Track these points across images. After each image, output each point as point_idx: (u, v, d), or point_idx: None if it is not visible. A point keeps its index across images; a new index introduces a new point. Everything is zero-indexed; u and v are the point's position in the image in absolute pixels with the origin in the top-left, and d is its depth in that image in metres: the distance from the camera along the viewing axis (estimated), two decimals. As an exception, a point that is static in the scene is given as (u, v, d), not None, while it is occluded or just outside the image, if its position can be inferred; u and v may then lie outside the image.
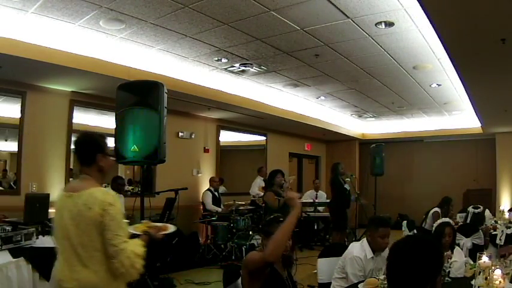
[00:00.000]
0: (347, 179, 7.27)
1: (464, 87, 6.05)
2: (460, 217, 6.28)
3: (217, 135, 8.69)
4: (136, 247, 1.96)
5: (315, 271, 3.71)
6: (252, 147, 10.41)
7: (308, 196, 9.38)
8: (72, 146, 6.04)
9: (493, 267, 2.44)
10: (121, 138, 3.80)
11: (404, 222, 6.25)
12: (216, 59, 5.70)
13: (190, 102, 6.89)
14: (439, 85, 6.87)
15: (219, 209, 7.43)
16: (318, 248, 7.29)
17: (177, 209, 5.70)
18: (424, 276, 1.44)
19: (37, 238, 3.68)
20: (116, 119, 3.92)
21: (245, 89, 7.27)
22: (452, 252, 3.27)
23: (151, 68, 5.74)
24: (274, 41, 5.02)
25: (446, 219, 3.85)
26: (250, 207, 7.52)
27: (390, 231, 3.03)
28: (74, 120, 6.05)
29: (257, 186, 8.35)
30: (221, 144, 8.76)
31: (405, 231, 6.05)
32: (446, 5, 3.28)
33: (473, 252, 3.88)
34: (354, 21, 4.36)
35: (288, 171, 10.10)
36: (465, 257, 3.44)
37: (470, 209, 5.94)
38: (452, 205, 6.30)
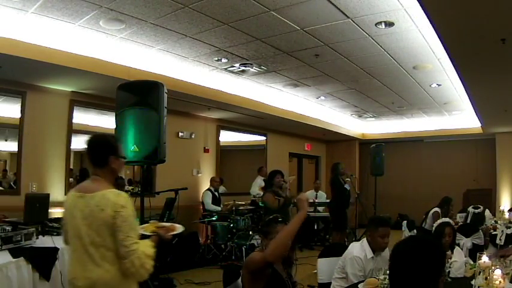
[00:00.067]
0: (347, 179, 7.27)
1: (464, 87, 6.05)
2: (460, 217, 6.28)
3: (217, 135, 8.70)
4: (147, 248, 2.01)
5: (315, 271, 3.71)
6: (252, 147, 10.41)
7: (308, 196, 9.38)
8: (73, 146, 6.05)
9: (493, 267, 2.43)
10: (121, 138, 3.79)
11: (404, 222, 6.26)
12: (216, 59, 5.70)
13: (190, 102, 6.89)
14: (439, 85, 6.87)
15: (219, 208, 7.44)
16: (318, 248, 7.30)
17: (177, 209, 5.69)
18: (426, 276, 1.44)
19: (37, 238, 3.68)
20: (116, 119, 3.92)
21: (245, 89, 7.27)
22: (452, 252, 3.27)
23: (151, 68, 5.74)
24: (274, 41, 5.02)
25: (446, 219, 3.85)
26: (250, 207, 7.52)
27: (390, 231, 3.03)
28: (74, 120, 6.05)
29: (257, 186, 8.35)
30: (221, 144, 8.76)
31: (405, 231, 6.05)
32: (446, 5, 3.28)
33: (473, 252, 3.88)
34: (354, 21, 4.36)
35: (288, 171, 10.09)
36: (465, 257, 3.44)
37: (471, 209, 5.94)
38: (452, 205, 6.30)
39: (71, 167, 6.11)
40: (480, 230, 5.06)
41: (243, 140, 10.02)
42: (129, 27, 4.58)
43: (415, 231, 5.90)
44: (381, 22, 4.36)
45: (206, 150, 8.36)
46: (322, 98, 8.15)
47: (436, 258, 1.47)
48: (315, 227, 9.05)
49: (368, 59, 5.61)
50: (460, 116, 9.41)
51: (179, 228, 2.30)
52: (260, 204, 6.64)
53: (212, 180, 7.76)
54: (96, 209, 1.95)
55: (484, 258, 2.51)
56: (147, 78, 4.81)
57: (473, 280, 2.52)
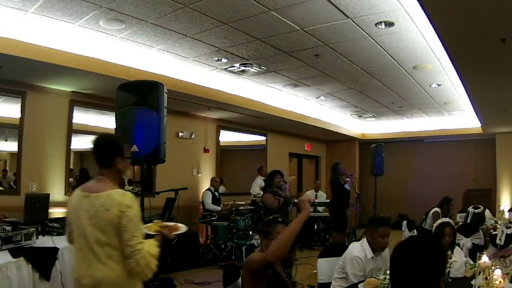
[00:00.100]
0: (347, 179, 7.27)
1: (464, 87, 6.05)
2: (460, 217, 6.28)
3: (217, 135, 8.70)
4: (152, 248, 2.03)
5: (315, 271, 3.71)
6: (252, 147, 10.41)
7: (308, 196, 9.38)
8: (73, 146, 6.06)
9: (493, 267, 2.44)
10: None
11: (404, 222, 6.25)
12: (216, 59, 5.70)
13: (190, 102, 6.89)
14: (439, 85, 6.87)
15: (219, 208, 7.44)
16: (318, 248, 7.30)
17: (177, 209, 5.69)
18: (427, 276, 1.44)
19: (37, 238, 3.68)
20: (115, 119, 3.92)
21: (245, 89, 7.27)
22: (452, 252, 3.27)
23: (151, 68, 5.74)
24: (274, 41, 5.02)
25: (446, 219, 3.85)
26: (250, 207, 7.52)
27: (390, 231, 3.03)
28: (74, 120, 6.06)
29: (258, 185, 8.35)
30: (221, 144, 8.76)
31: (405, 231, 6.05)
32: (446, 5, 3.28)
33: (473, 252, 3.88)
34: (354, 21, 4.36)
35: (288, 171, 10.10)
36: (465, 257, 3.44)
37: (471, 209, 5.94)
38: (452, 205, 6.30)
39: (71, 167, 6.11)
40: (480, 230, 5.06)
41: (243, 140, 10.02)
42: (129, 27, 4.58)
43: (415, 231, 5.90)
44: (380, 22, 4.36)
45: (206, 150, 8.37)
46: (322, 98, 8.15)
47: (437, 258, 1.47)
48: (315, 227, 9.05)
49: (368, 59, 5.61)
50: (460, 116, 9.41)
51: (183, 228, 2.32)
52: (260, 204, 6.65)
53: (212, 180, 7.76)
54: (101, 209, 1.96)
55: (484, 258, 2.51)
56: (147, 78, 4.80)
57: (473, 280, 2.52)
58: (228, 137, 9.15)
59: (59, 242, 3.72)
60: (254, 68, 6.12)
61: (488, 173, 10.20)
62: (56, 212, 5.34)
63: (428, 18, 3.57)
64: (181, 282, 5.46)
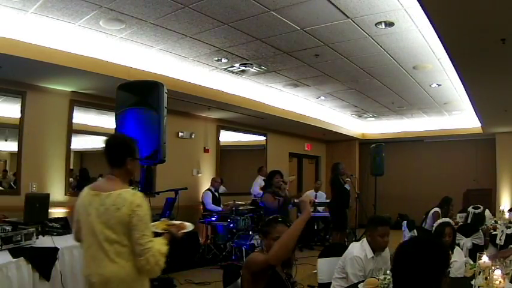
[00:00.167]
0: (347, 179, 7.27)
1: (464, 87, 6.05)
2: (460, 217, 6.28)
3: (217, 135, 8.70)
4: (161, 246, 2.07)
5: (315, 271, 3.71)
6: (252, 147, 10.41)
7: (307, 196, 9.36)
8: (73, 146, 6.06)
9: (493, 267, 2.43)
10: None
11: (404, 222, 6.25)
12: (216, 59, 5.70)
13: (190, 102, 6.89)
14: (439, 85, 6.87)
15: (219, 208, 7.44)
16: (318, 248, 7.30)
17: (177, 209, 5.69)
18: (429, 276, 1.43)
19: (37, 238, 3.68)
20: (116, 119, 3.92)
21: (245, 89, 7.27)
22: (452, 252, 3.27)
23: (151, 68, 5.74)
24: (274, 41, 5.02)
25: (447, 219, 3.85)
26: (250, 207, 7.52)
27: (390, 231, 3.03)
28: (74, 120, 6.05)
29: (258, 185, 8.35)
30: (221, 144, 8.76)
31: (405, 231, 6.05)
32: (446, 5, 3.28)
33: (473, 252, 3.88)
34: (354, 21, 4.36)
35: (288, 171, 10.10)
36: (465, 257, 3.44)
37: (471, 209, 5.93)
38: (452, 205, 6.30)
39: (71, 167, 6.11)
40: (480, 230, 5.06)
41: (243, 140, 10.02)
42: (129, 27, 4.58)
43: (415, 231, 5.89)
44: (380, 22, 4.36)
45: (206, 150, 8.36)
46: (322, 98, 8.15)
47: (439, 258, 1.47)
48: (315, 227, 9.05)
49: (368, 59, 5.61)
50: (460, 116, 9.41)
51: (189, 227, 2.35)
52: (260, 204, 6.65)
53: (213, 181, 7.76)
54: (112, 208, 2.00)
55: (484, 258, 2.51)
56: (147, 78, 4.80)
57: (473, 280, 2.51)
58: (228, 137, 9.15)
59: (59, 242, 3.72)
60: (254, 68, 6.12)
61: (488, 173, 10.20)
62: (56, 212, 5.35)
63: (428, 18, 3.57)
64: (181, 282, 5.45)
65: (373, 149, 8.80)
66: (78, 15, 4.22)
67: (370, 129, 11.66)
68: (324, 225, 9.19)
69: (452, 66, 5.05)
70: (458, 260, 3.12)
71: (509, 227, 4.94)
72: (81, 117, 6.24)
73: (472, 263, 3.07)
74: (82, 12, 4.15)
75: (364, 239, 3.08)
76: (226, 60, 5.78)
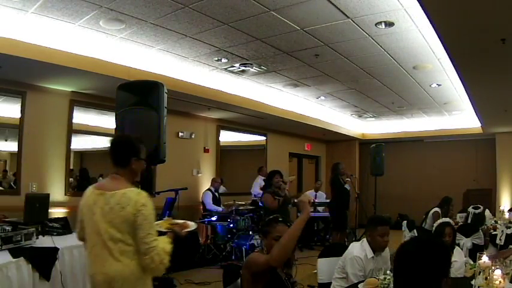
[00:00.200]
0: (347, 179, 7.27)
1: (464, 87, 6.05)
2: (460, 217, 6.29)
3: (217, 135, 8.70)
4: (165, 244, 2.09)
5: (315, 271, 3.71)
6: (252, 147, 10.41)
7: (310, 197, 9.37)
8: (73, 146, 6.06)
9: (493, 267, 2.43)
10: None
11: (404, 222, 6.26)
12: (216, 59, 5.70)
13: (190, 102, 6.89)
14: (439, 85, 6.87)
15: (220, 208, 7.44)
16: (318, 248, 7.30)
17: (177, 209, 5.70)
18: (428, 276, 1.43)
19: (37, 238, 3.67)
20: (116, 119, 3.91)
21: (245, 89, 7.27)
22: (452, 252, 3.27)
23: (151, 68, 5.73)
24: (274, 41, 5.02)
25: (447, 219, 3.85)
26: (251, 207, 7.53)
27: (389, 230, 3.03)
28: (74, 120, 6.05)
29: (258, 185, 8.35)
30: (221, 144, 8.76)
31: (405, 231, 6.05)
32: (446, 5, 3.28)
33: (473, 252, 3.88)
34: (354, 21, 4.36)
35: (288, 171, 10.10)
36: (465, 257, 3.44)
37: (471, 209, 5.94)
38: (452, 205, 6.30)
39: (71, 167, 6.11)
40: (480, 230, 5.06)
41: (243, 140, 10.02)
42: (129, 27, 4.58)
43: (415, 231, 5.90)
44: (381, 22, 4.36)
45: (206, 150, 8.36)
46: (322, 98, 8.15)
47: (439, 259, 1.47)
48: (315, 227, 9.05)
49: (368, 59, 5.61)
50: (460, 116, 9.41)
51: (192, 226, 2.37)
52: (260, 204, 6.66)
53: (213, 181, 7.76)
54: (116, 207, 2.01)
55: (484, 258, 2.51)
56: (147, 78, 4.80)
57: (473, 280, 2.51)
58: (228, 137, 9.15)
59: (59, 242, 3.72)
60: (254, 68, 6.12)
61: (488, 173, 10.19)
62: (56, 212, 5.35)
63: (428, 18, 3.57)
64: (181, 282, 5.45)
65: (373, 149, 8.80)
66: (78, 15, 4.22)
67: (370, 129, 11.66)
68: (324, 225, 9.20)
69: (452, 66, 5.05)
70: (458, 260, 3.12)
71: (509, 227, 4.94)
72: (81, 117, 6.24)
73: (472, 263, 3.07)
74: (82, 12, 4.15)
75: (364, 239, 3.08)
76: (226, 60, 5.78)
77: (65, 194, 5.84)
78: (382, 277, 2.54)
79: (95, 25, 4.48)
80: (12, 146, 5.56)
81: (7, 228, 3.39)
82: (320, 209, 9.12)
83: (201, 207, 7.62)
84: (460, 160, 10.86)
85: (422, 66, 5.84)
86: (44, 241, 3.72)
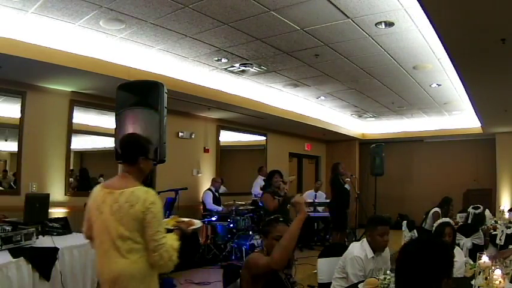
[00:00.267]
0: (347, 179, 7.27)
1: (464, 87, 6.05)
2: (460, 217, 6.29)
3: (217, 135, 8.70)
4: (173, 241, 2.14)
5: (315, 271, 3.71)
6: (252, 147, 10.41)
7: (307, 196, 9.38)
8: (73, 146, 6.06)
9: (493, 267, 2.43)
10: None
11: (404, 222, 6.26)
12: (216, 59, 5.70)
13: (190, 102, 6.89)
14: (439, 85, 6.87)
15: (220, 208, 7.45)
16: (318, 248, 7.30)
17: (177, 209, 5.69)
18: (428, 276, 1.43)
19: (37, 238, 3.68)
20: (115, 119, 3.92)
21: (245, 89, 7.27)
22: (452, 252, 3.27)
23: (151, 68, 5.74)
24: (274, 41, 5.02)
25: (447, 219, 3.85)
26: (251, 207, 7.53)
27: (389, 230, 3.03)
28: (74, 120, 6.05)
29: (258, 186, 8.35)
30: (221, 144, 8.76)
31: (405, 231, 6.05)
32: (446, 5, 3.28)
33: (473, 252, 3.88)
34: (354, 21, 4.36)
35: (288, 171, 10.10)
36: (465, 257, 3.44)
37: (471, 209, 5.93)
38: (452, 205, 6.30)
39: (71, 167, 6.11)
40: (480, 230, 5.06)
41: (243, 140, 10.02)
42: (129, 27, 4.58)
43: (415, 231, 5.90)
44: (381, 22, 4.36)
45: (206, 150, 8.36)
46: (322, 98, 8.15)
47: (440, 259, 1.47)
48: (315, 227, 9.05)
49: (368, 59, 5.61)
50: (460, 116, 9.41)
51: (198, 224, 2.42)
52: (260, 204, 6.66)
53: (214, 181, 7.77)
54: (125, 205, 2.04)
55: (484, 258, 2.51)
56: (147, 78, 4.80)
57: (473, 280, 2.51)
58: (228, 137, 9.15)
59: (59, 242, 3.72)
60: (254, 68, 6.12)
61: (488, 173, 10.20)
62: (56, 212, 5.35)
63: (428, 18, 3.57)
64: (181, 282, 5.45)
65: (373, 149, 8.80)
66: (78, 15, 4.22)
67: (370, 129, 11.66)
68: (324, 225, 9.19)
69: (452, 66, 5.05)
70: (458, 260, 3.12)
71: (509, 227, 4.94)
72: (81, 117, 6.24)
73: (472, 263, 3.07)
74: (82, 12, 4.15)
75: (364, 239, 3.08)
76: (226, 60, 5.78)
77: (65, 194, 5.84)
78: (382, 277, 2.54)
79: (95, 25, 4.48)
80: (12, 146, 5.56)
81: (7, 228, 3.39)
82: (320, 209, 9.12)
83: (201, 207, 7.62)
84: (460, 160, 10.86)
85: (422, 66, 5.84)
86: (44, 241, 3.72)
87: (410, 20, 4.25)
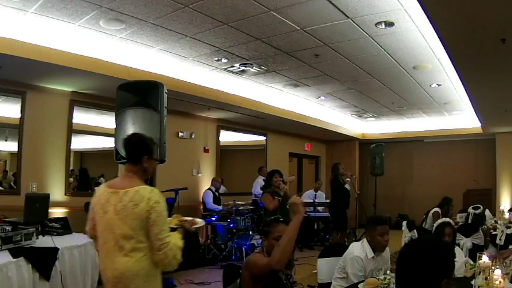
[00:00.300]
0: (347, 179, 7.27)
1: (464, 87, 6.05)
2: (460, 217, 6.28)
3: (217, 135, 8.70)
4: (177, 240, 2.16)
5: (315, 271, 3.71)
6: (252, 147, 10.41)
7: (307, 196, 9.40)
8: (73, 146, 6.06)
9: (493, 267, 2.43)
10: (121, 138, 3.79)
11: (404, 222, 6.24)
12: (216, 59, 5.70)
13: (190, 102, 6.89)
14: (439, 85, 6.87)
15: (221, 207, 7.46)
16: (318, 248, 7.30)
17: (177, 209, 5.69)
18: (428, 276, 1.43)
19: (37, 238, 3.68)
20: (115, 119, 3.92)
21: (245, 89, 7.27)
22: (453, 253, 3.26)
23: (151, 68, 5.74)
24: (274, 41, 5.02)
25: (447, 219, 3.85)
26: (251, 207, 7.53)
27: (389, 229, 3.03)
28: (74, 120, 6.05)
29: (259, 185, 8.35)
30: (221, 144, 8.76)
31: (405, 231, 6.04)
32: (446, 5, 3.28)
33: (473, 252, 3.88)
34: (354, 21, 4.36)
35: (288, 171, 10.10)
36: (465, 257, 3.44)
37: (471, 210, 5.93)
38: (452, 205, 6.30)
39: (71, 167, 6.11)
40: (480, 230, 5.06)
41: (243, 140, 10.02)
42: (129, 27, 4.58)
43: (415, 231, 5.89)
44: (381, 22, 4.36)
45: (206, 150, 8.36)
46: (322, 98, 8.15)
47: (440, 260, 1.47)
48: (315, 227, 9.05)
49: (368, 59, 5.61)
50: (460, 116, 9.41)
51: (201, 223, 2.44)
52: (260, 204, 6.66)
53: (214, 180, 7.77)
54: (130, 204, 2.06)
55: (484, 258, 2.51)
56: (147, 78, 4.81)
57: (473, 280, 2.51)
58: (228, 137, 9.15)
59: (59, 242, 3.72)
60: (254, 68, 6.12)
61: (488, 173, 10.20)
62: (56, 212, 5.35)
63: (428, 18, 3.57)
64: (181, 282, 5.45)
65: (373, 149, 8.81)
66: (78, 15, 4.22)
67: (370, 129, 11.66)
68: (324, 225, 9.19)
69: (452, 66, 5.05)
70: (458, 260, 3.11)
71: (509, 227, 4.94)
72: (81, 117, 6.25)
73: (472, 263, 3.07)
74: (82, 12, 4.15)
75: (365, 239, 3.08)
76: (226, 60, 5.78)
77: (65, 194, 5.84)
78: (382, 277, 2.54)
79: (95, 25, 4.48)
80: (12, 146, 5.56)
81: (7, 228, 3.39)
82: (320, 209, 9.12)
83: (201, 207, 7.62)
84: (460, 160, 10.86)
85: (422, 66, 5.84)
86: (44, 241, 3.72)
87: (410, 20, 4.25)
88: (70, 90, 5.98)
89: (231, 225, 6.77)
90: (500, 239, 3.63)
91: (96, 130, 6.87)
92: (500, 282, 2.37)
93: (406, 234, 5.94)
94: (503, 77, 5.29)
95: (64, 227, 4.37)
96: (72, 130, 6.02)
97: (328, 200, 8.38)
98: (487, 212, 6.12)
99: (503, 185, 9.82)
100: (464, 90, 6.31)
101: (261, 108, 7.87)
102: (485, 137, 10.19)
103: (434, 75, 6.32)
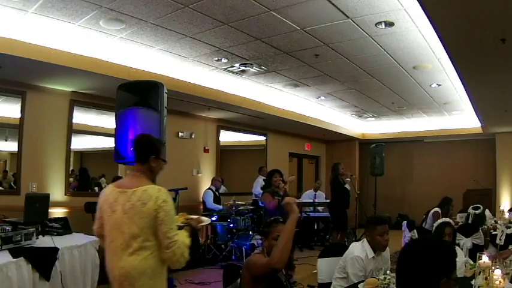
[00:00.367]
0: (347, 179, 7.27)
1: (464, 87, 6.05)
2: (460, 217, 6.28)
3: (217, 135, 8.70)
4: (185, 238, 2.19)
5: (315, 271, 3.71)
6: (252, 147, 10.42)
7: (307, 196, 9.40)
8: (73, 146, 6.06)
9: (493, 267, 2.43)
10: (121, 138, 3.79)
11: (404, 222, 6.25)
12: (216, 59, 5.70)
13: (190, 102, 6.89)
14: (439, 85, 6.87)
15: (221, 207, 7.46)
16: (318, 248, 7.30)
17: (177, 209, 5.68)
18: (428, 276, 1.43)
19: (37, 238, 3.67)
20: (115, 119, 3.92)
21: (245, 89, 7.27)
22: (454, 252, 3.26)
23: (151, 68, 5.74)
24: (274, 41, 5.02)
25: (447, 219, 3.85)
26: (251, 207, 7.53)
27: (389, 229, 3.03)
28: (74, 120, 6.05)
29: (259, 185, 8.35)
30: (221, 144, 8.76)
31: (405, 231, 6.05)
32: (446, 5, 3.28)
33: (473, 252, 3.88)
34: (354, 21, 4.36)
35: (288, 171, 10.10)
36: (465, 257, 3.44)
37: (471, 210, 5.92)
38: (452, 205, 6.30)
39: (71, 167, 6.11)
40: (480, 230, 5.05)
41: (243, 140, 10.03)
42: (129, 27, 4.58)
43: (415, 231, 5.89)
44: (380, 22, 4.36)
45: (206, 150, 8.37)
46: (322, 98, 8.15)
47: (440, 259, 1.47)
48: (315, 227, 9.06)
49: (368, 59, 5.61)
50: (460, 116, 9.41)
51: (206, 221, 2.49)
52: (260, 204, 6.66)
53: (215, 180, 7.77)
54: (138, 204, 2.10)
55: (484, 258, 2.51)
56: (147, 78, 4.81)
57: (473, 280, 2.51)
58: (228, 137, 9.15)
59: (59, 242, 3.72)
60: (254, 68, 6.12)
61: (488, 173, 10.20)
62: (56, 212, 5.35)
63: (428, 18, 3.57)
64: (181, 282, 5.45)
65: (373, 149, 8.81)
66: (78, 15, 4.22)
67: (370, 129, 11.67)
68: (324, 225, 9.19)
69: (452, 66, 5.05)
70: (458, 260, 3.11)
71: (509, 227, 4.94)
72: (81, 117, 6.25)
73: (472, 263, 3.07)
74: (82, 12, 4.15)
75: (365, 239, 3.09)
76: (226, 60, 5.78)
77: (65, 194, 5.84)
78: (382, 277, 2.54)
79: (95, 25, 4.48)
80: (12, 146, 5.56)
81: (7, 228, 3.39)
82: (320, 209, 9.12)
83: (201, 207, 7.62)
84: (460, 160, 10.86)
85: (422, 66, 5.84)
86: (44, 241, 3.72)
87: (410, 20, 4.25)
88: (70, 90, 5.98)
89: (231, 225, 6.77)
90: (500, 239, 3.63)
91: (96, 130, 6.87)
92: (500, 282, 2.37)
93: (406, 234, 5.95)
94: (503, 77, 5.29)
95: (64, 227, 4.36)
96: (72, 130, 6.03)
97: (328, 200, 8.38)
98: (487, 212, 6.11)
99: (503, 185, 9.82)
100: (464, 90, 6.31)
101: (261, 108, 7.87)
102: (485, 137, 10.20)
103: (434, 75, 6.33)
